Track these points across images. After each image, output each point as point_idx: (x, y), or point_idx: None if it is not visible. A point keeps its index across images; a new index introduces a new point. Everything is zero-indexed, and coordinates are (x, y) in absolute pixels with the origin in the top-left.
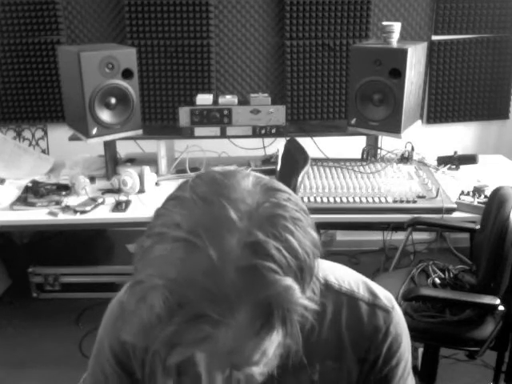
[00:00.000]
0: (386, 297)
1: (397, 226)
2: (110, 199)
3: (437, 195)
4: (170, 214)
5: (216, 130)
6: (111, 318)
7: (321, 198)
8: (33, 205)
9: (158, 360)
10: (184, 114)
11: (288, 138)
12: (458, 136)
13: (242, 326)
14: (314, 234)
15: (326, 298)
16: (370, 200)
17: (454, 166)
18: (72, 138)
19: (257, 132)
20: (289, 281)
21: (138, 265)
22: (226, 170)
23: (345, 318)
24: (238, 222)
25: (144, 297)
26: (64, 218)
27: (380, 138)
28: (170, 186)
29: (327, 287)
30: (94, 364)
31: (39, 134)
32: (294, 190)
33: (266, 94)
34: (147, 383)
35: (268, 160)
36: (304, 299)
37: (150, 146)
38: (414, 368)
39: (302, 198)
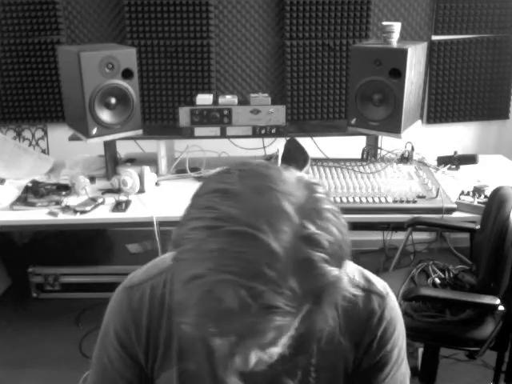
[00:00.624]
0: (380, 284)
1: (397, 226)
2: (110, 199)
3: (437, 195)
4: (221, 206)
5: (216, 130)
6: (117, 303)
7: None
8: (33, 205)
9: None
10: (184, 114)
11: (288, 138)
12: (458, 136)
13: (299, 314)
14: (346, 224)
15: None
16: (370, 200)
17: (454, 166)
18: (72, 138)
19: (257, 132)
20: (337, 270)
21: (187, 258)
22: (264, 163)
23: (340, 303)
24: (292, 214)
25: (210, 290)
26: (64, 218)
27: (380, 138)
28: (170, 185)
29: None
30: (100, 349)
31: (39, 134)
32: None
33: (266, 94)
34: (154, 370)
35: (268, 160)
36: (350, 286)
37: (149, 146)
38: (414, 368)
39: None
